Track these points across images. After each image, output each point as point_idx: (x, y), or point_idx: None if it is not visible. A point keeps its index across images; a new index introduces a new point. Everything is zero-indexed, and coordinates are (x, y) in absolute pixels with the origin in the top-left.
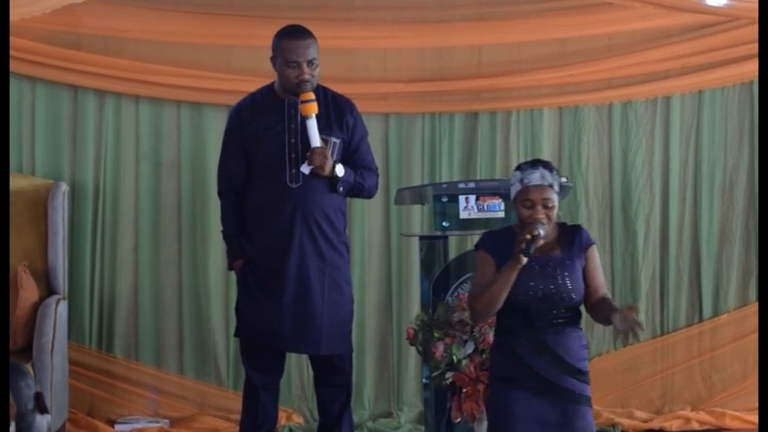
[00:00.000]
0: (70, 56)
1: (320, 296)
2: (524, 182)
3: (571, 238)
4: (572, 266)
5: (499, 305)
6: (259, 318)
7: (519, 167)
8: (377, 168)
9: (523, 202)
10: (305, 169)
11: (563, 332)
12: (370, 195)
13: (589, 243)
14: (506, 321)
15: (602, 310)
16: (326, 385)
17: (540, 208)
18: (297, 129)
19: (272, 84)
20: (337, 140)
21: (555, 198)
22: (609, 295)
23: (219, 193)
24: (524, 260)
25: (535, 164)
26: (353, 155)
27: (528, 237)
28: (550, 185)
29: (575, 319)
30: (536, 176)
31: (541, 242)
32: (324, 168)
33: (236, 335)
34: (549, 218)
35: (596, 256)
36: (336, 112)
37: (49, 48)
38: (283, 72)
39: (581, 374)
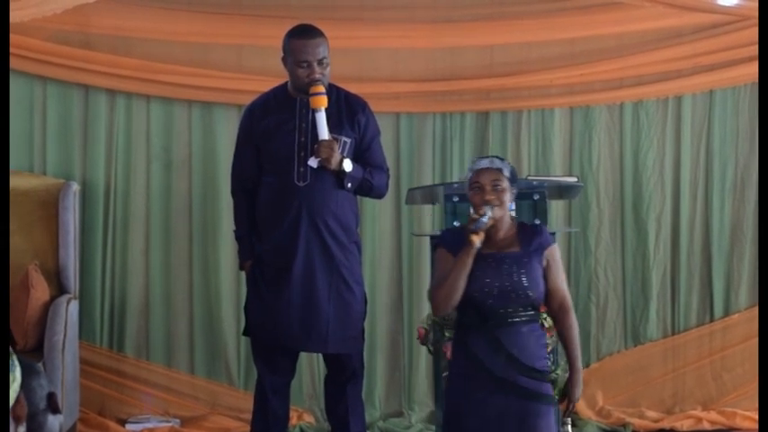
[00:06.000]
0: (81, 55)
1: (327, 295)
2: (474, 168)
3: (531, 236)
4: (529, 264)
5: (458, 295)
6: (267, 317)
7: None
8: (388, 168)
9: (473, 185)
10: (312, 162)
11: (519, 332)
12: (380, 195)
13: (548, 243)
14: (463, 318)
15: (563, 341)
16: (335, 384)
17: (489, 189)
18: (307, 128)
19: (286, 83)
20: (348, 140)
21: (505, 183)
22: (568, 301)
23: (232, 193)
24: (476, 242)
25: (486, 155)
26: (365, 153)
27: (474, 216)
28: (499, 169)
29: (532, 318)
30: (485, 162)
31: (491, 222)
32: (330, 161)
33: (244, 333)
34: (500, 201)
35: (557, 257)
36: (348, 110)
37: (60, 47)
38: (294, 72)
39: (538, 373)
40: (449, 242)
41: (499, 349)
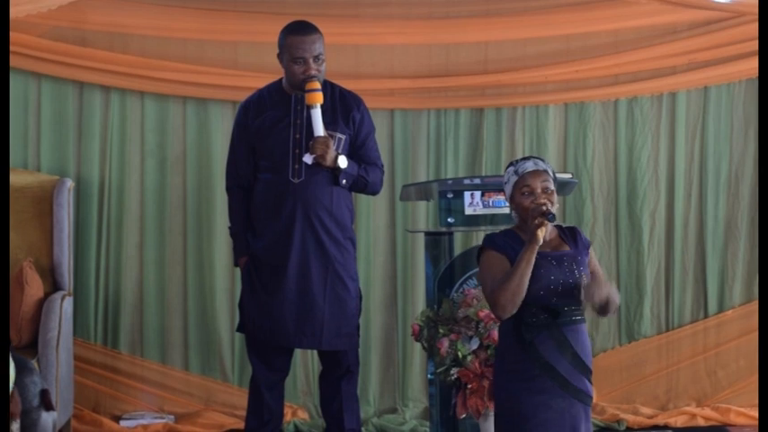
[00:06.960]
0: (76, 52)
1: (322, 292)
2: (519, 171)
3: (573, 237)
4: (583, 262)
5: (524, 293)
6: (261, 313)
7: (510, 164)
8: (382, 165)
9: (522, 190)
10: (307, 159)
11: (579, 329)
12: (374, 191)
13: (589, 242)
14: (527, 318)
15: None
16: (329, 380)
17: (539, 192)
18: (302, 124)
19: (280, 80)
20: (343, 136)
21: (552, 185)
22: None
23: (227, 190)
24: (541, 239)
25: (527, 157)
26: (359, 150)
27: (544, 208)
28: (545, 171)
29: (584, 317)
30: (529, 164)
31: (554, 211)
32: (325, 158)
33: (238, 330)
34: (551, 203)
35: (594, 255)
36: (343, 107)
37: (55, 44)
38: (290, 68)
39: (590, 374)
40: (499, 244)
41: (566, 348)
